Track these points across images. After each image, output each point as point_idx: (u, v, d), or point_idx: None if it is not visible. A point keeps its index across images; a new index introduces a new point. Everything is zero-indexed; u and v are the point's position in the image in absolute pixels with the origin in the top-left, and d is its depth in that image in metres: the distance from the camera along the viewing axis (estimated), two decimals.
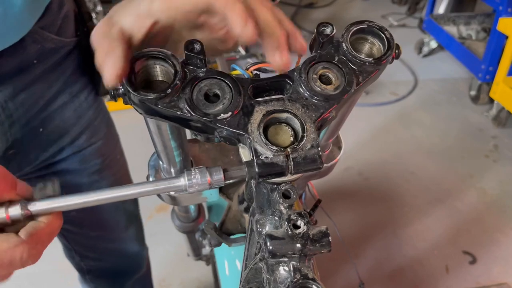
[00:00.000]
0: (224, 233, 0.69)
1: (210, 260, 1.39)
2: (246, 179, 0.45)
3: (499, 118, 2.57)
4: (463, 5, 3.26)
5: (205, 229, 0.69)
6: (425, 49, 3.23)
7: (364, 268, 1.85)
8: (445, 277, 1.83)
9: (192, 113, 0.45)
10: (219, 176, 0.44)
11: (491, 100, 2.63)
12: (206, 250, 1.21)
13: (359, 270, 1.82)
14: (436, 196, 2.18)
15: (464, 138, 2.55)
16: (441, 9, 3.20)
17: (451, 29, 3.01)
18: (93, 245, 1.14)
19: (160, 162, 0.66)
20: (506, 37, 2.40)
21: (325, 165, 0.74)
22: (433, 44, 3.20)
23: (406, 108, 2.79)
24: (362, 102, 2.78)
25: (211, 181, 0.44)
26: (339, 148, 0.75)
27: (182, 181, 0.44)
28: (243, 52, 2.79)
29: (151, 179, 0.69)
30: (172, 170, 0.66)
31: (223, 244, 0.93)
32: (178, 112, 0.45)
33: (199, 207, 0.96)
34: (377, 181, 2.27)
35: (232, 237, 0.70)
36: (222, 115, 0.45)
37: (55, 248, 1.91)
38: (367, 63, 0.48)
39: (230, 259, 1.03)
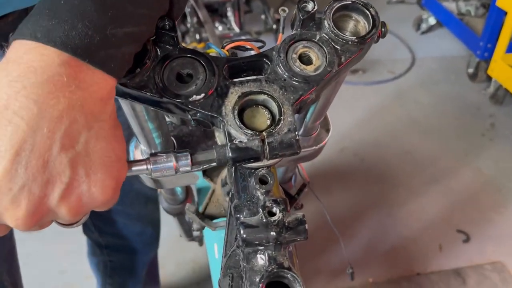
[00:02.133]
0: (207, 216, 0.68)
1: (202, 240, 1.38)
2: (216, 164, 0.43)
3: (496, 96, 2.54)
4: None
5: (187, 213, 0.68)
6: (424, 26, 3.17)
7: (358, 248, 1.85)
8: (439, 255, 1.83)
9: (162, 94, 0.42)
10: (185, 161, 0.43)
11: (489, 78, 2.59)
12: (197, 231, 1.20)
13: (353, 249, 1.83)
14: (431, 176, 2.17)
15: (460, 117, 2.53)
16: None
17: (450, 5, 2.95)
18: (114, 220, 1.16)
19: (140, 145, 0.64)
20: (505, 13, 2.35)
21: (313, 147, 0.72)
22: (432, 21, 3.14)
23: (403, 86, 2.75)
24: (358, 80, 2.74)
25: (176, 166, 0.42)
26: (327, 130, 0.73)
27: (146, 166, 0.42)
28: (237, 29, 2.73)
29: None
30: (153, 152, 0.64)
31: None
32: (148, 93, 0.42)
33: (187, 189, 0.94)
34: (373, 161, 2.25)
35: (215, 221, 0.69)
36: (194, 96, 0.42)
37: (47, 229, 1.91)
38: (350, 42, 0.46)
39: (220, 242, 1.02)
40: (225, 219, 0.70)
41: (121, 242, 1.26)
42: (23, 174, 0.33)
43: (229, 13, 2.76)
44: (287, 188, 0.94)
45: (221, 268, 0.53)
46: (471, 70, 2.73)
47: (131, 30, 0.38)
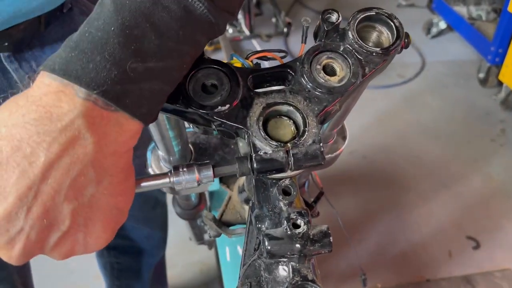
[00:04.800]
0: (223, 223, 0.68)
1: (212, 244, 1.39)
2: (238, 176, 0.43)
3: (507, 101, 2.52)
4: None
5: (204, 221, 0.68)
6: (434, 30, 3.16)
7: (367, 252, 1.84)
8: (448, 262, 1.82)
9: (188, 104, 0.43)
10: (208, 173, 0.43)
11: (500, 83, 2.58)
12: (208, 235, 1.20)
13: (362, 254, 1.82)
14: (441, 181, 2.16)
15: (471, 122, 2.51)
16: None
17: (461, 10, 2.94)
18: None
19: (158, 151, 0.64)
20: None
21: (329, 155, 0.72)
22: (442, 25, 3.13)
23: (412, 90, 2.74)
24: (369, 84, 2.72)
25: (199, 178, 0.43)
26: (344, 138, 0.73)
27: (169, 179, 0.43)
28: (247, 32, 2.73)
29: (149, 168, 0.68)
30: (171, 159, 0.64)
31: None
32: (173, 104, 0.43)
33: (200, 194, 0.94)
34: (382, 165, 2.24)
35: (231, 228, 0.69)
36: (219, 107, 0.43)
37: None
38: (374, 54, 0.46)
39: (231, 245, 1.02)
40: (241, 226, 0.70)
41: (128, 244, 1.27)
42: (23, 219, 0.33)
43: (240, 16, 2.76)
44: (301, 194, 0.94)
45: (239, 277, 0.53)
46: (481, 75, 2.71)
47: (154, 65, 0.36)
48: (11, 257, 0.35)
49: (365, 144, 2.32)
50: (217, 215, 0.69)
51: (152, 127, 0.55)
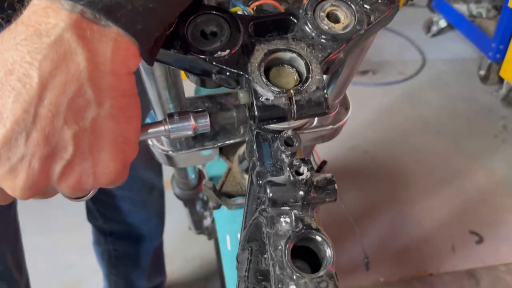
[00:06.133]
0: (223, 195, 0.66)
1: (211, 234, 1.36)
2: (236, 124, 0.41)
3: (508, 98, 2.51)
4: None
5: (203, 189, 0.66)
6: (434, 29, 3.15)
7: (370, 247, 1.82)
8: (451, 256, 1.80)
9: (187, 50, 0.41)
10: (204, 120, 0.41)
11: (501, 80, 2.57)
12: (207, 222, 1.18)
13: (364, 247, 1.80)
14: (443, 176, 2.14)
15: (472, 119, 2.50)
16: None
17: (461, 7, 2.93)
18: (118, 206, 1.16)
19: (157, 118, 0.62)
20: None
21: (331, 126, 0.70)
22: (442, 23, 3.12)
23: (414, 88, 2.73)
24: (369, 81, 2.72)
25: (195, 126, 0.41)
26: (347, 109, 0.71)
27: (163, 126, 0.41)
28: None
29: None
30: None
31: (225, 218, 0.90)
32: (172, 50, 0.41)
33: (200, 175, 0.93)
34: (384, 160, 2.23)
35: (232, 199, 0.67)
36: (219, 52, 0.41)
37: (54, 223, 1.88)
38: (379, 1, 0.44)
39: (232, 233, 1.00)
40: (241, 197, 0.68)
41: (126, 228, 1.25)
42: (23, 146, 0.32)
43: None
44: None
45: (240, 241, 0.51)
46: (482, 72, 2.70)
47: None
48: (16, 187, 0.33)
49: (367, 139, 2.30)
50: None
51: (148, 83, 0.53)
